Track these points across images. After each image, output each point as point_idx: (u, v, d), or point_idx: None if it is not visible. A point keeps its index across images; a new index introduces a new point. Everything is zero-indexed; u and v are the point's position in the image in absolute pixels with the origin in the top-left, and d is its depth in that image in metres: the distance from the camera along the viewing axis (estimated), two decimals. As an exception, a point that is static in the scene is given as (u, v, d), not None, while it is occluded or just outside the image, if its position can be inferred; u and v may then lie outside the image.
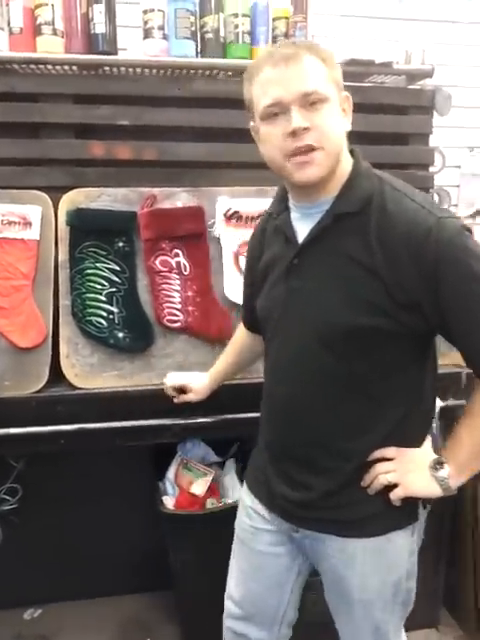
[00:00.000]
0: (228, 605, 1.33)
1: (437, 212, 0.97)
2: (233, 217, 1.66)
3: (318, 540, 1.15)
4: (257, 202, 1.68)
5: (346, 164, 1.04)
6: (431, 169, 1.99)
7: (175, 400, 1.50)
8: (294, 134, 0.96)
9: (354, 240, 1.00)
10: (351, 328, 1.00)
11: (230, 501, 1.69)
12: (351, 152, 1.06)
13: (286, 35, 1.79)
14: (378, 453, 1.07)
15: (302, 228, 1.07)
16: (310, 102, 0.95)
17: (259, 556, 1.24)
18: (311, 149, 0.97)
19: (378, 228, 0.98)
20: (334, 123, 0.98)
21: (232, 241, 1.67)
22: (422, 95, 1.87)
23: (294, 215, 1.09)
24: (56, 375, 1.55)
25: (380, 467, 1.07)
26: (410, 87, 1.89)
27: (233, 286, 1.66)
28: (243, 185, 1.71)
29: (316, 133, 0.96)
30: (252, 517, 1.25)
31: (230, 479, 1.78)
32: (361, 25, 2.24)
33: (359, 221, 1.00)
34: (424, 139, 1.93)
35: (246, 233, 1.67)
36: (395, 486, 1.07)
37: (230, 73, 1.78)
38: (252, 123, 1.07)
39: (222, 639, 1.37)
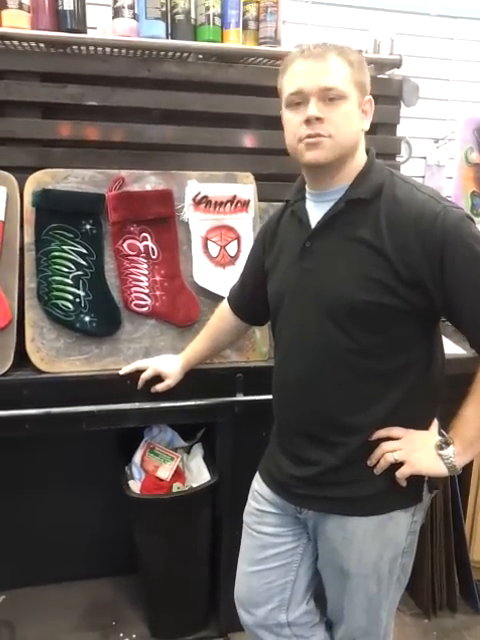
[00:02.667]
0: (240, 612, 1.36)
1: (443, 202, 1.06)
2: (202, 202, 1.65)
3: (320, 518, 1.20)
4: (226, 187, 1.68)
5: (360, 159, 1.13)
6: (398, 159, 2.03)
7: (152, 389, 1.50)
8: (308, 122, 1.05)
9: (364, 225, 1.08)
10: (358, 303, 1.06)
11: (196, 485, 1.70)
12: (367, 151, 1.15)
13: (257, 19, 1.78)
14: (384, 432, 1.12)
15: (315, 214, 1.15)
16: (328, 97, 1.04)
17: (263, 537, 1.30)
18: (321, 136, 1.06)
19: (388, 213, 1.06)
20: (347, 119, 1.06)
21: (201, 226, 1.66)
22: (390, 84, 1.89)
23: (309, 203, 1.17)
24: (21, 359, 1.52)
25: (387, 445, 1.12)
26: (379, 76, 1.91)
27: (201, 271, 1.66)
28: (212, 169, 1.70)
29: (328, 125, 1.05)
30: (259, 500, 1.31)
31: (196, 463, 1.79)
32: (331, 13, 2.24)
33: (370, 208, 1.08)
34: (391, 129, 1.95)
35: (215, 218, 1.68)
36: (401, 465, 1.11)
37: (200, 56, 1.77)
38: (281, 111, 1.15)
39: (188, 622, 1.39)
